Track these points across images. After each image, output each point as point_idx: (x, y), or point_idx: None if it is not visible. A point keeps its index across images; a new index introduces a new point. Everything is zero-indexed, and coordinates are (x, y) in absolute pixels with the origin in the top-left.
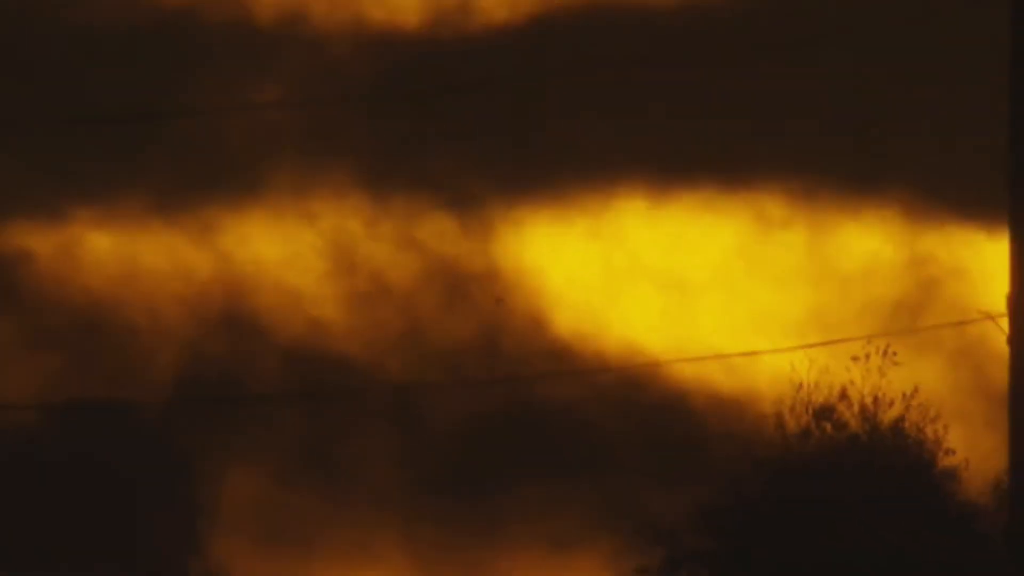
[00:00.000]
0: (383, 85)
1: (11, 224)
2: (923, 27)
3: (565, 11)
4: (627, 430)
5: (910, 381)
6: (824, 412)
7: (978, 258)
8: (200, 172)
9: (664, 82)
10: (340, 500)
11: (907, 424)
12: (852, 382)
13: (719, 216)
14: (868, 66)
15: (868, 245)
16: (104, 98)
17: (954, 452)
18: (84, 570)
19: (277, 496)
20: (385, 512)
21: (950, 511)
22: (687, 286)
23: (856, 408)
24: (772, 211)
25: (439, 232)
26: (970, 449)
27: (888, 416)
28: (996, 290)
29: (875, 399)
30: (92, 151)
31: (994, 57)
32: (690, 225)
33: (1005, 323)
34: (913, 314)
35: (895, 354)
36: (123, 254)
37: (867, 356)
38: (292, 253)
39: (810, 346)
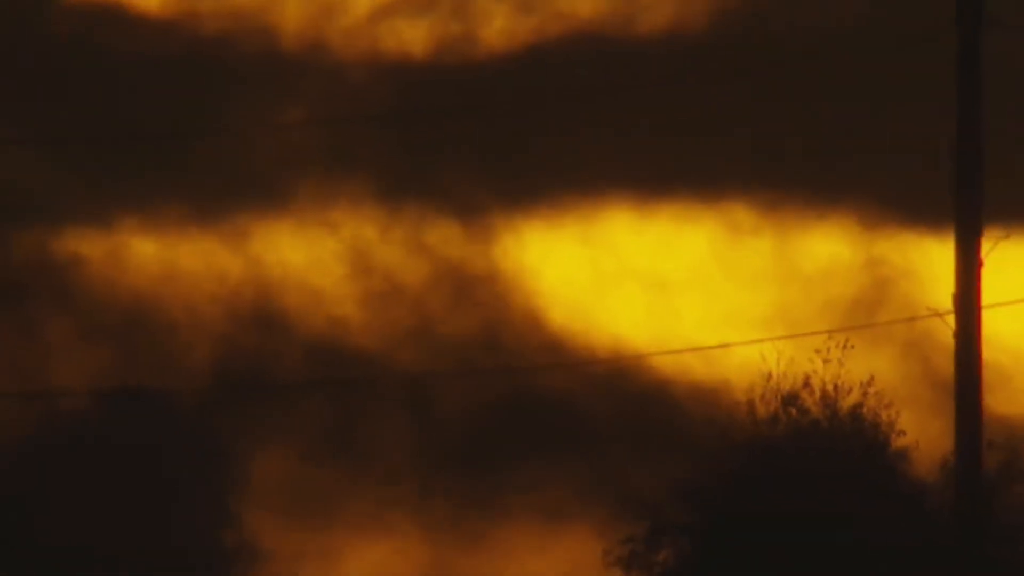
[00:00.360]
0: (395, 106)
1: (65, 231)
2: (876, 58)
3: (558, 41)
4: (614, 414)
5: (866, 371)
6: (790, 399)
7: (926, 261)
8: (232, 184)
9: (646, 104)
10: (358, 477)
11: (864, 410)
12: (815, 372)
13: (696, 224)
14: (827, 91)
15: (828, 249)
16: (147, 118)
17: (905, 434)
18: (130, 538)
19: (301, 473)
20: (398, 487)
21: (902, 488)
22: (667, 286)
23: (818, 395)
24: (742, 219)
25: (446, 238)
26: (920, 432)
27: (847, 402)
28: (943, 290)
29: (835, 387)
30: (137, 166)
31: (940, 84)
32: (670, 232)
33: (951, 319)
34: (869, 311)
35: (853, 347)
36: (164, 258)
37: (828, 349)
38: (315, 257)
39: (777, 339)
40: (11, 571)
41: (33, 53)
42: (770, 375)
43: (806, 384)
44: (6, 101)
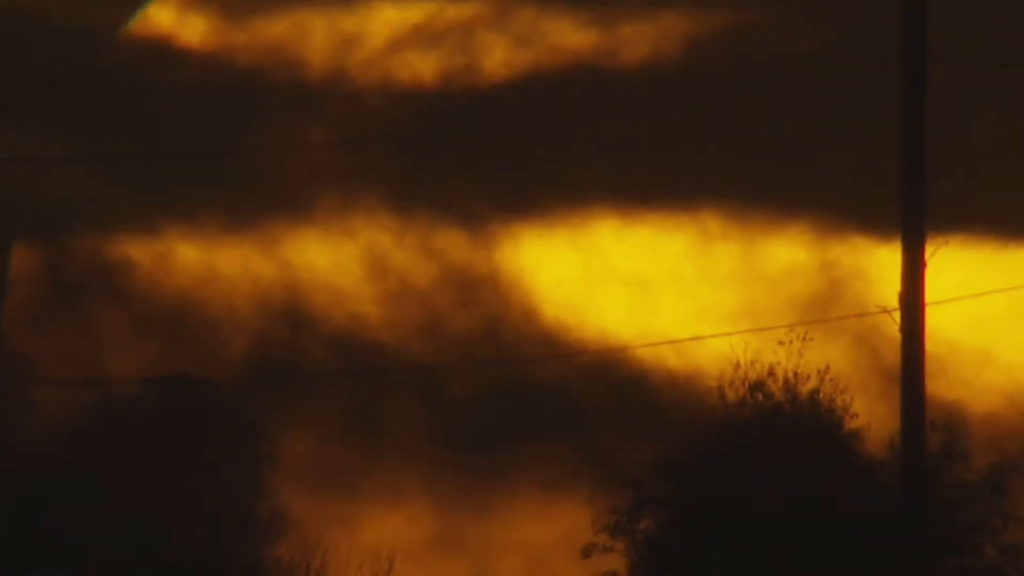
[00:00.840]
0: (407, 128)
1: (118, 238)
2: (833, 85)
3: (551, 71)
4: (602, 400)
5: (823, 361)
6: (756, 386)
7: (875, 264)
8: (264, 197)
9: (628, 126)
10: (375, 454)
11: (821, 395)
12: (778, 362)
13: (672, 231)
14: (789, 114)
15: (788, 253)
16: (189, 139)
17: (857, 416)
18: (176, 506)
19: (325, 451)
20: (411, 464)
21: (855, 464)
22: (647, 286)
23: (781, 382)
24: (713, 227)
25: (452, 244)
26: (870, 414)
27: (806, 388)
28: (890, 290)
29: (796, 375)
30: (181, 180)
31: (889, 109)
32: (649, 238)
33: (897, 315)
34: (825, 308)
35: (811, 339)
36: (205, 261)
37: (789, 341)
38: (337, 261)
39: (744, 332)
40: (74, 535)
41: (92, 81)
42: (738, 364)
43: (770, 372)
44: (68, 124)
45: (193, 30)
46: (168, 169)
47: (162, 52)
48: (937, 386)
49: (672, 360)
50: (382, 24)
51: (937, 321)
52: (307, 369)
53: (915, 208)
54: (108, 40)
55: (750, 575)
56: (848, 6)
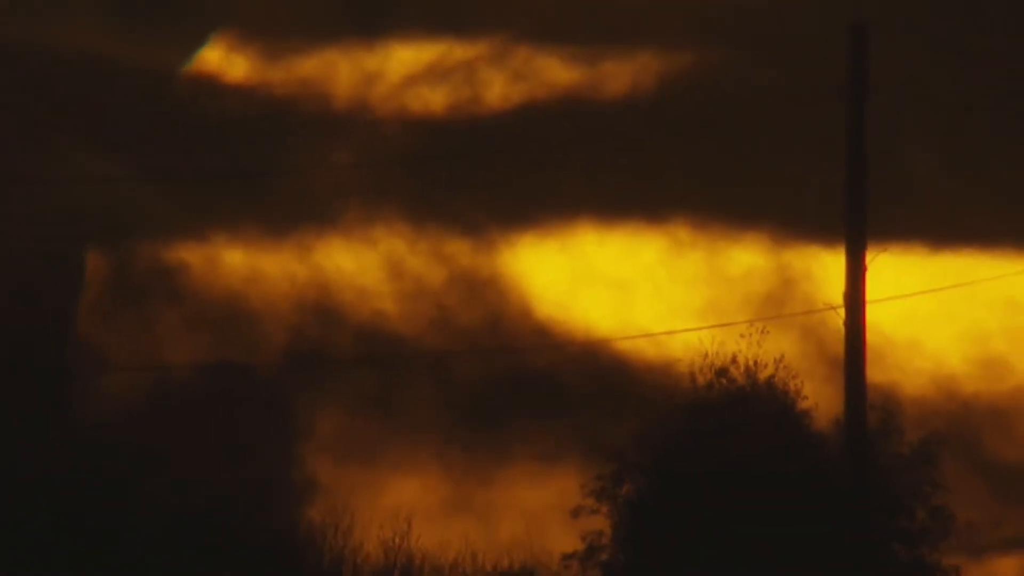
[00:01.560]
0: (420, 151)
1: (174, 245)
2: (787, 112)
3: (542, 102)
4: (587, 383)
5: (778, 350)
6: (721, 372)
7: (822, 267)
8: (298, 210)
9: (610, 148)
10: (394, 430)
11: (777, 380)
12: (739, 351)
13: (646, 239)
14: (749, 137)
15: (747, 258)
16: (234, 159)
17: (808, 399)
18: (223, 475)
19: (351, 426)
20: (425, 438)
21: (806, 439)
22: (626, 286)
23: (743, 369)
24: (682, 235)
25: (459, 250)
26: (818, 396)
27: (764, 374)
28: (835, 289)
29: (755, 363)
30: (227, 195)
31: (836, 134)
32: (627, 245)
33: (842, 312)
34: (779, 305)
35: (768, 332)
36: (247, 264)
37: (749, 334)
38: (361, 264)
39: (710, 327)
40: (140, 499)
41: (155, 112)
42: (706, 354)
43: (733, 360)
44: (133, 148)
45: (238, 68)
46: (216, 186)
47: (211, 87)
48: (875, 372)
49: (648, 350)
50: (398, 63)
51: (875, 317)
52: (335, 357)
53: (857, 219)
54: (169, 77)
55: (717, 534)
56: (799, 44)
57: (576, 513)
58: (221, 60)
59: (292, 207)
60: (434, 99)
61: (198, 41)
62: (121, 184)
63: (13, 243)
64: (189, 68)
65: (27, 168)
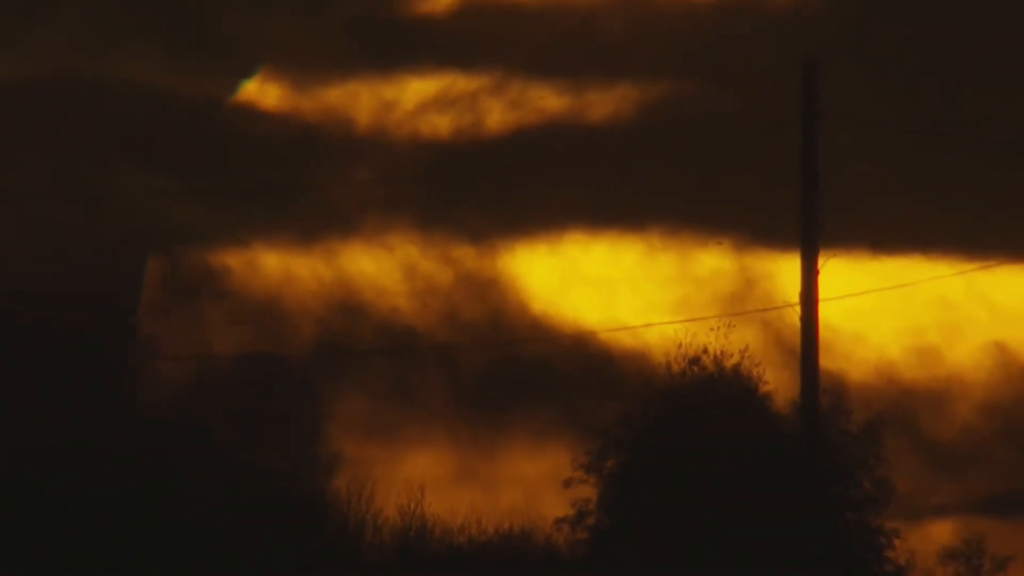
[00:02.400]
0: (430, 169)
1: (220, 250)
2: (749, 136)
3: (536, 126)
4: (577, 370)
5: (742, 342)
6: (693, 360)
7: (780, 269)
8: (325, 219)
9: (593, 166)
10: (409, 411)
11: (741, 368)
12: (709, 343)
13: (626, 245)
14: (717, 158)
15: (715, 262)
16: (270, 175)
17: (768, 383)
18: (259, 451)
19: (371, 409)
20: (436, 418)
21: (767, 419)
22: (609, 286)
23: (712, 357)
24: (657, 242)
25: (464, 255)
26: (777, 382)
27: (730, 363)
28: (791, 289)
29: (722, 352)
30: (264, 207)
31: (791, 149)
32: (610, 250)
33: (797, 309)
34: (742, 303)
35: (734, 326)
36: (281, 267)
37: (717, 327)
38: (379, 267)
39: (684, 321)
40: (188, 471)
41: (203, 134)
42: (680, 344)
43: (704, 351)
44: (185, 166)
45: (271, 98)
46: (254, 199)
47: (250, 114)
48: (826, 361)
49: (629, 341)
50: (411, 92)
51: (826, 313)
52: (357, 348)
53: (810, 228)
54: (216, 105)
55: (689, 502)
56: (759, 75)
57: (567, 483)
58: (258, 90)
59: (319, 217)
60: (441, 124)
61: (241, 74)
62: (174, 198)
63: (83, 250)
64: (234, 98)
65: (93, 185)
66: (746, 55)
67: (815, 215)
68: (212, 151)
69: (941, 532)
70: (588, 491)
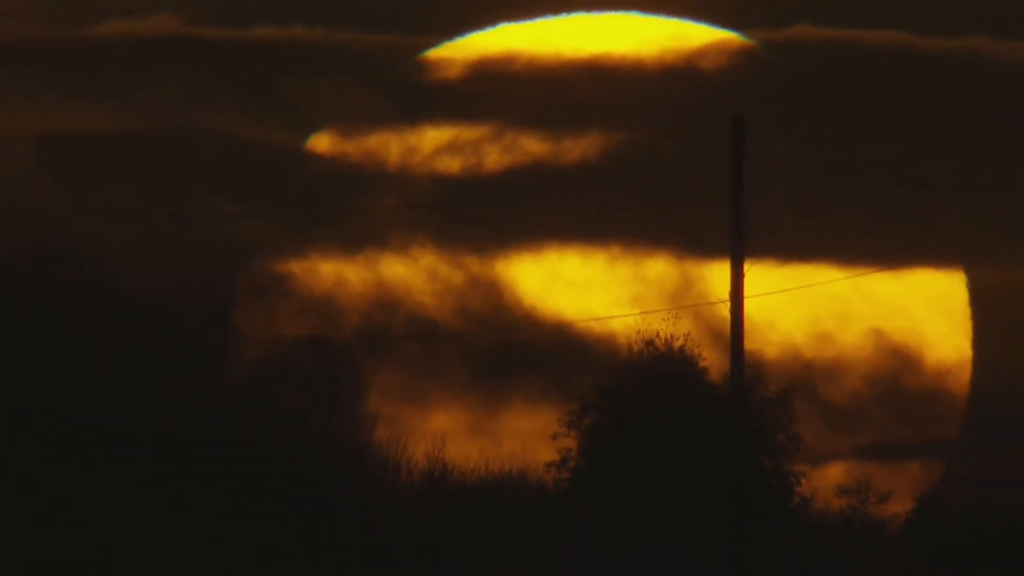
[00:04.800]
0: (443, 197)
1: (286, 260)
2: (691, 171)
3: (524, 165)
4: (559, 351)
5: (686, 329)
6: (649, 343)
7: (712, 274)
8: (366, 236)
9: (569, 196)
10: (431, 381)
11: (685, 348)
12: (660, 330)
13: (593, 255)
14: (661, 188)
15: (662, 267)
16: (322, 203)
17: (706, 360)
18: (319, 415)
19: (403, 380)
20: (452, 386)
21: (704, 389)
22: (582, 286)
23: (662, 340)
24: (617, 253)
25: (471, 263)
26: (712, 359)
27: (677, 345)
28: (723, 288)
29: (671, 337)
30: (319, 226)
31: (722, 183)
32: (580, 259)
33: (728, 304)
34: (685, 298)
35: (679, 316)
36: (334, 272)
37: (667, 318)
38: (407, 272)
39: (640, 313)
40: (267, 431)
41: (272, 172)
42: (638, 331)
43: (656, 336)
44: (257, 196)
45: (324, 143)
46: (312, 221)
47: (309, 156)
48: (748, 343)
49: (598, 329)
50: (429, 140)
51: (748, 307)
52: (391, 333)
53: (738, 243)
54: (285, 150)
55: (645, 450)
56: (699, 123)
57: (554, 436)
58: (314, 138)
59: (361, 235)
60: (452, 164)
61: (303, 126)
62: (254, 222)
63: (189, 261)
64: (307, 146)
65: (194, 211)
66: (687, 109)
67: (741, 233)
68: (279, 183)
69: (836, 473)
70: (570, 442)
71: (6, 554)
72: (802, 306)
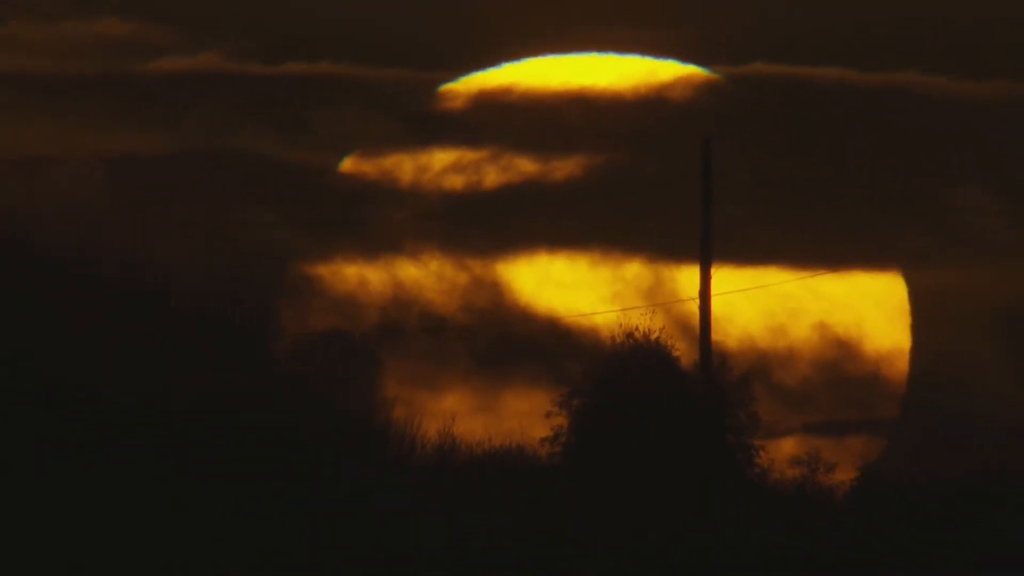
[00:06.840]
0: (448, 210)
1: (316, 265)
2: (663, 187)
3: (517, 183)
4: (551, 341)
5: (661, 323)
6: (629, 335)
7: (683, 276)
8: (383, 242)
9: (558, 209)
10: (440, 367)
11: (660, 340)
12: (639, 323)
13: (578, 259)
14: (638, 202)
15: (638, 270)
16: (345, 214)
17: (678, 350)
18: (342, 400)
19: (416, 367)
20: (459, 371)
21: (675, 374)
22: (570, 286)
23: (641, 332)
24: (599, 257)
25: (475, 266)
26: (684, 349)
27: (653, 336)
28: (693, 288)
29: (648, 330)
30: (342, 235)
31: (695, 197)
32: (567, 264)
33: (697, 301)
34: (659, 297)
35: (655, 312)
36: (356, 274)
37: (645, 314)
38: (420, 274)
39: (621, 310)
40: (298, 410)
41: (307, 192)
42: (620, 324)
43: (635, 329)
44: (292, 209)
45: (346, 165)
46: (335, 229)
47: (334, 175)
48: (714, 336)
49: (585, 323)
50: (436, 160)
51: (714, 304)
52: (405, 327)
53: (706, 249)
54: (316, 170)
55: (626, 428)
56: (673, 145)
57: (548, 415)
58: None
59: (379, 241)
60: (457, 182)
61: (332, 150)
62: (289, 230)
63: (236, 265)
64: (340, 167)
65: (240, 222)
66: (659, 134)
67: (709, 241)
68: (314, 202)
69: (789, 447)
70: (561, 420)
71: (74, 523)
72: (759, 303)
